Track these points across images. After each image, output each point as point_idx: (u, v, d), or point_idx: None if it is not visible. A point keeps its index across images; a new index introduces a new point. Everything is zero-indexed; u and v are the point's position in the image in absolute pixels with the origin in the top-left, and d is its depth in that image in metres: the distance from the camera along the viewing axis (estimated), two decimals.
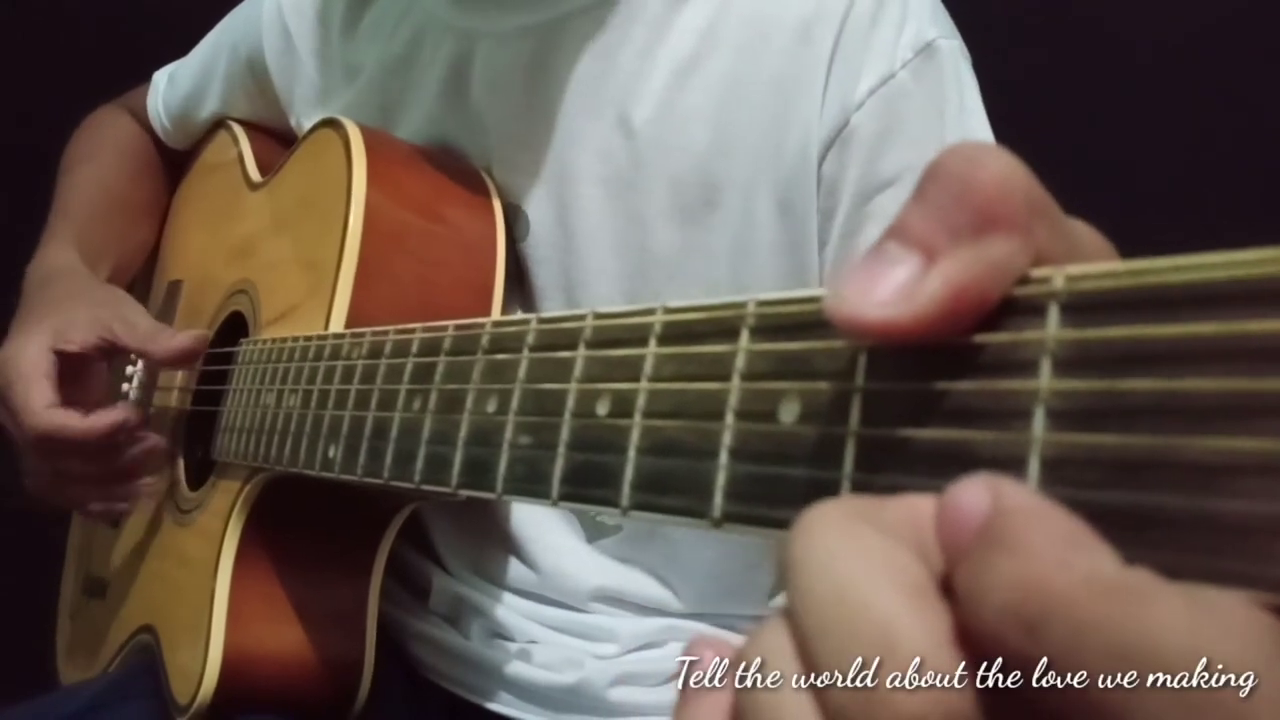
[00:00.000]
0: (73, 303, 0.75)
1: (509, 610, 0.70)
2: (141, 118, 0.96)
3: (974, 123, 0.64)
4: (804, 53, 0.62)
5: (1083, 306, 0.21)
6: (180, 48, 0.94)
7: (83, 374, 0.73)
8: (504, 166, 0.69)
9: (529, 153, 0.67)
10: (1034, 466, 0.21)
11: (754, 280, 0.63)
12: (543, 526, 0.70)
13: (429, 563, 0.73)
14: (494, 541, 0.71)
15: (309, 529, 0.64)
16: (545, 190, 0.67)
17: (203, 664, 0.61)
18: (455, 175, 0.68)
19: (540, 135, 0.67)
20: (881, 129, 0.61)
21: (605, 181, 0.65)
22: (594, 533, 0.70)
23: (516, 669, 0.68)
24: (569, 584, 0.69)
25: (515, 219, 0.68)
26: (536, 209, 0.67)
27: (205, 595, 0.62)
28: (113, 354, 0.74)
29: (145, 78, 0.96)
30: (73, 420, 0.68)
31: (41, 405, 0.68)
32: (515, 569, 0.70)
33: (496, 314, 0.65)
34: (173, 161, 0.96)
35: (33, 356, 0.70)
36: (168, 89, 0.93)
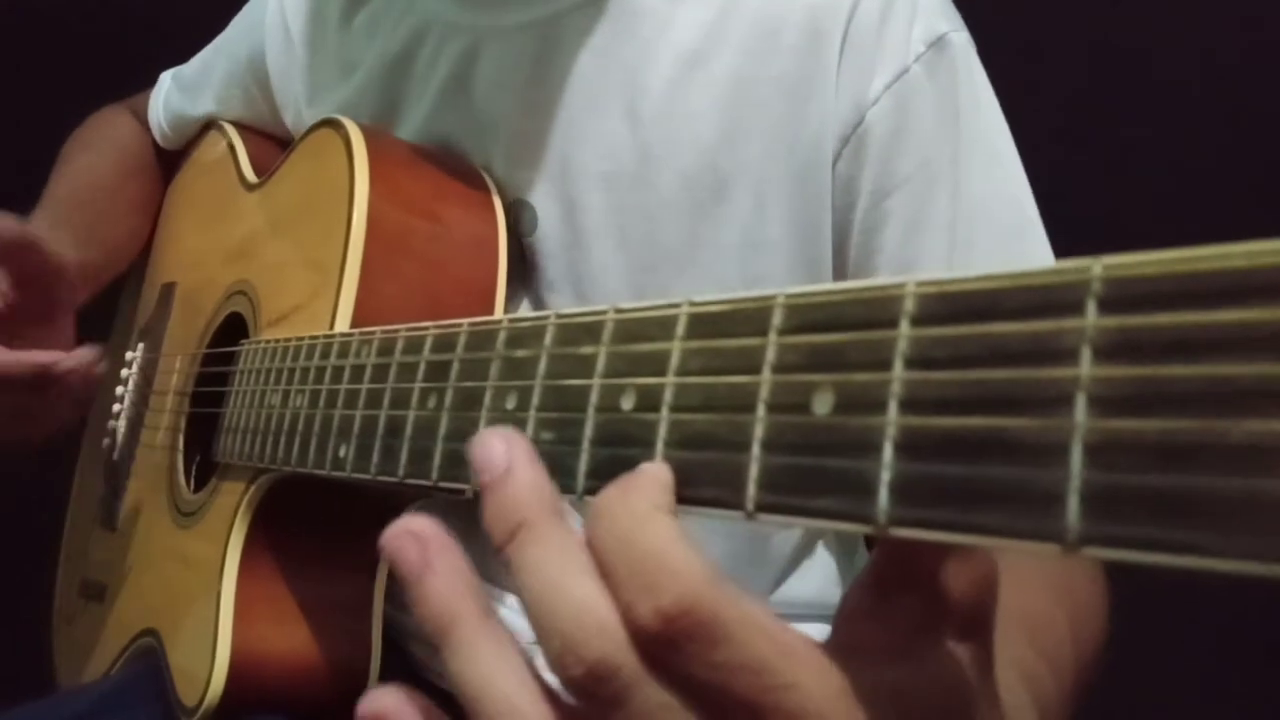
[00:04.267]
0: None
1: (511, 612, 0.70)
2: (143, 119, 0.96)
3: (988, 116, 0.64)
4: (813, 49, 0.62)
5: (1122, 294, 0.22)
6: (183, 51, 0.94)
7: (41, 320, 0.74)
8: (508, 162, 0.69)
9: (533, 148, 0.67)
10: (1077, 452, 0.21)
11: (764, 273, 0.63)
12: None
13: None
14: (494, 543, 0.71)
15: (313, 529, 0.64)
16: (551, 185, 0.67)
17: (210, 666, 0.60)
18: (455, 175, 0.68)
19: (544, 130, 0.67)
20: (896, 125, 0.61)
21: (610, 176, 0.65)
22: None
23: None
24: None
25: (521, 214, 0.68)
26: (542, 204, 0.67)
27: (211, 597, 0.62)
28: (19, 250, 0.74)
29: (147, 78, 0.96)
30: None
31: None
32: None
33: (499, 313, 0.65)
34: (169, 165, 0.96)
35: None
36: (170, 90, 0.93)
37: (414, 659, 0.72)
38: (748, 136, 0.63)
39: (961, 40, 0.64)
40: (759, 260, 0.63)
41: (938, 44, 0.62)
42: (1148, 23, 1.08)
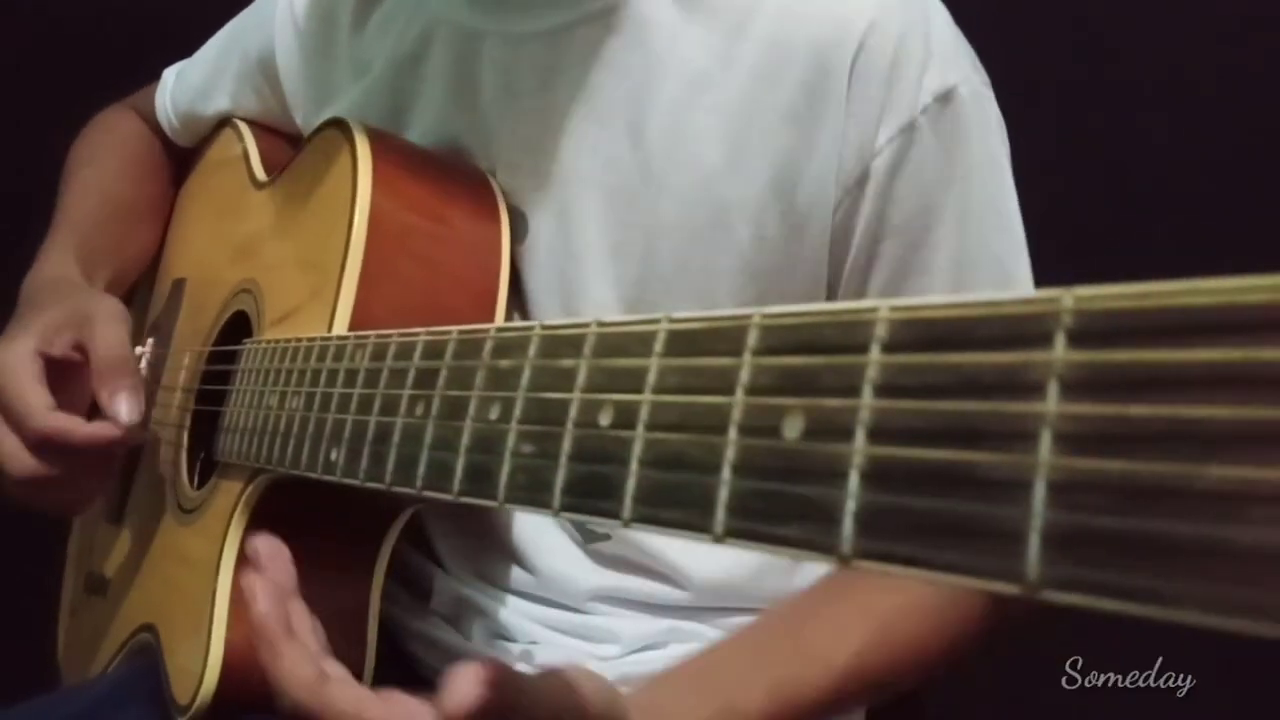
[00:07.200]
0: (59, 308, 0.74)
1: (510, 612, 0.70)
2: (148, 116, 0.95)
3: (990, 172, 0.64)
4: (820, 87, 0.61)
5: (1092, 328, 0.21)
6: (184, 48, 0.94)
7: (69, 378, 0.71)
8: (507, 169, 0.68)
9: (533, 157, 0.67)
10: (1040, 490, 0.21)
11: (756, 304, 0.63)
12: (539, 528, 0.70)
13: (430, 564, 0.73)
14: (492, 544, 0.71)
15: (311, 530, 0.63)
16: (547, 195, 0.67)
17: (203, 664, 0.60)
18: (460, 178, 0.68)
19: (545, 140, 0.66)
20: (896, 175, 0.61)
21: (609, 190, 0.65)
22: (587, 537, 0.69)
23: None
24: (567, 586, 0.69)
25: (514, 221, 0.68)
26: (537, 213, 0.67)
27: (206, 595, 0.62)
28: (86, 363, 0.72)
29: (148, 78, 0.96)
30: (77, 425, 0.68)
31: (44, 407, 0.68)
32: (514, 571, 0.70)
33: (500, 318, 0.65)
34: (180, 159, 0.96)
35: (20, 358, 0.69)
36: (176, 86, 0.93)
37: (411, 658, 0.72)
38: (751, 165, 0.62)
39: (971, 92, 0.62)
40: (752, 289, 0.63)
41: (946, 97, 0.61)
42: (1146, 30, 1.07)
